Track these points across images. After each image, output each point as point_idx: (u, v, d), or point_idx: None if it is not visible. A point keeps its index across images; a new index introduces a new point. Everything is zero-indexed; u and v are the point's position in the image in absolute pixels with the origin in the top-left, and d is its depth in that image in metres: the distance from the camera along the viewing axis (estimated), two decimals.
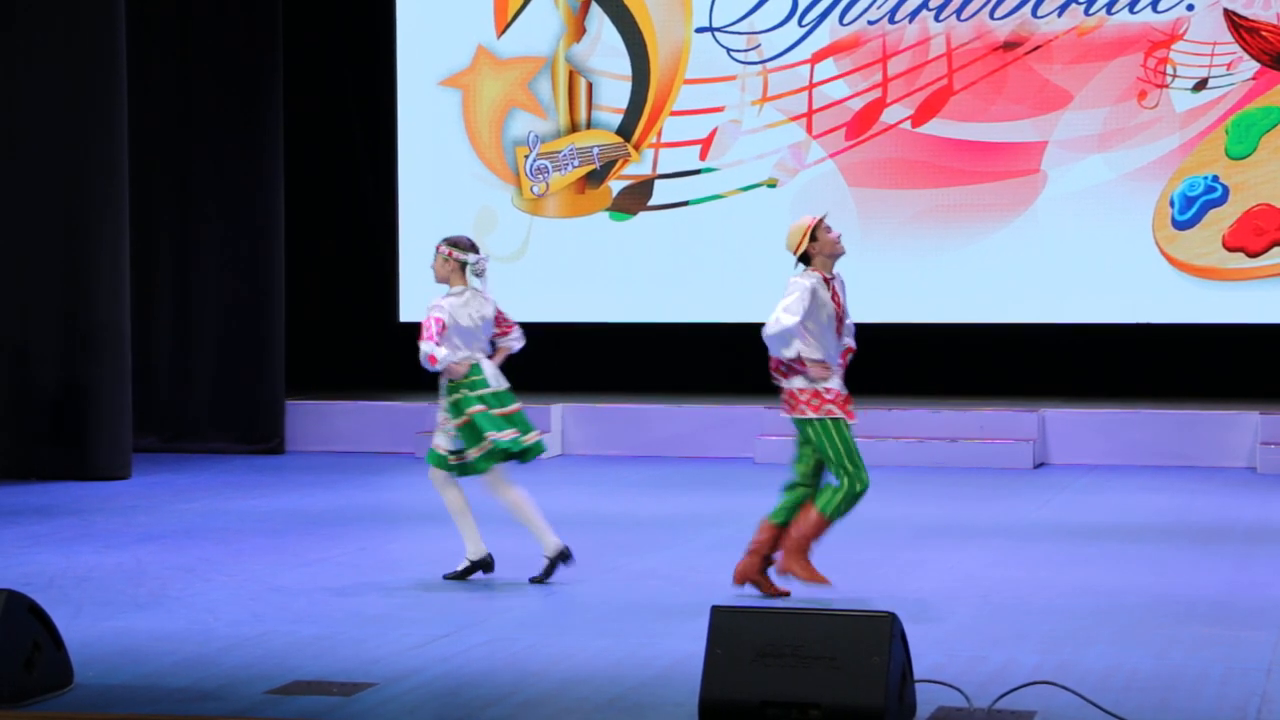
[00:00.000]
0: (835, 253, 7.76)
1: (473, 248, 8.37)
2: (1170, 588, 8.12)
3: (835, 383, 7.76)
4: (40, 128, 12.40)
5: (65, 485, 12.04)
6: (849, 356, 7.95)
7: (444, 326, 8.16)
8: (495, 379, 8.24)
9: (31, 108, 12.40)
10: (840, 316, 7.79)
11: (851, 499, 7.76)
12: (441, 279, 8.36)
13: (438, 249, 8.37)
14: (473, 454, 8.14)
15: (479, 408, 8.13)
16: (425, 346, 8.09)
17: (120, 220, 12.53)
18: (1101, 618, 7.40)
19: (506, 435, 8.12)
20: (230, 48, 14.05)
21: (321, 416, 14.30)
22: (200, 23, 14.10)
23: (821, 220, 7.76)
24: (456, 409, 8.16)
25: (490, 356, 8.35)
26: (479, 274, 8.34)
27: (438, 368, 8.12)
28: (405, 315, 15.25)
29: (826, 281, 7.72)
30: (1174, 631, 7.11)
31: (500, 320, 8.42)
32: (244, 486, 12.12)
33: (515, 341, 8.45)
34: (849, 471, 7.72)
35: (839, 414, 7.71)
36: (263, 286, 14.15)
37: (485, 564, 8.33)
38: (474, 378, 8.18)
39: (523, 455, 8.18)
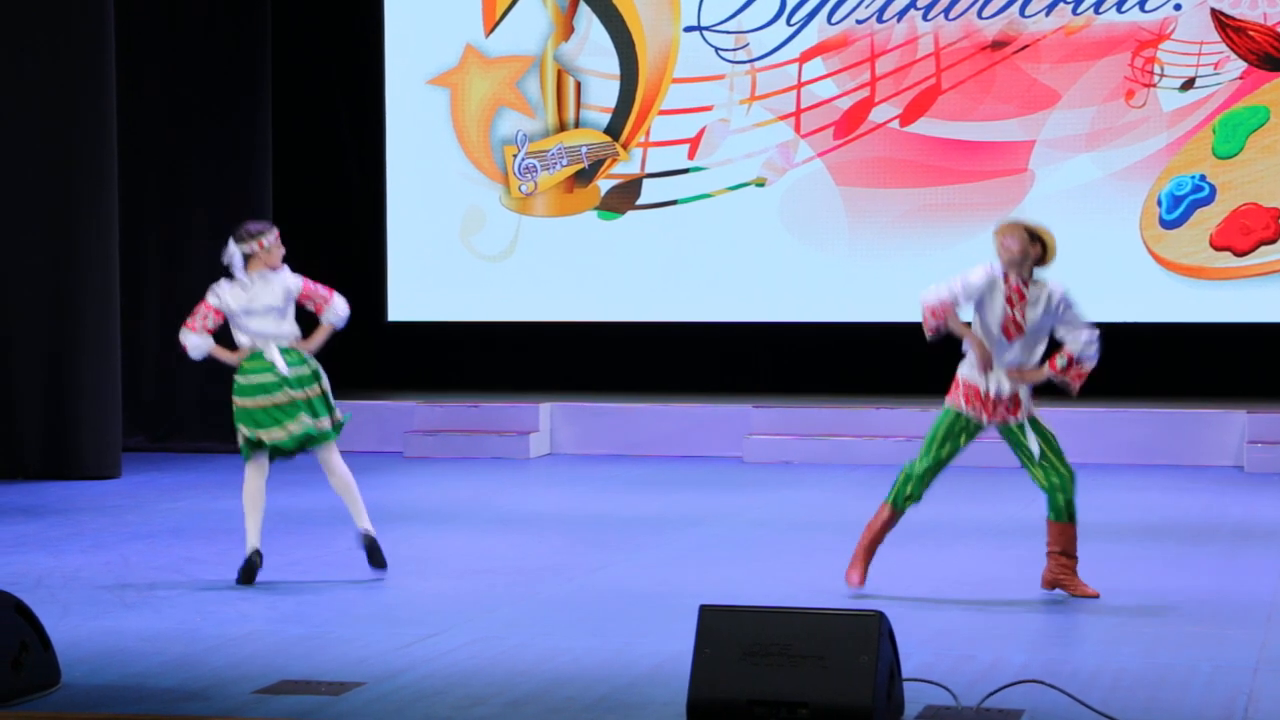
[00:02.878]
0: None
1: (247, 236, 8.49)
2: (1158, 586, 8.14)
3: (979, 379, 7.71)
4: (28, 127, 12.37)
5: (54, 484, 12.01)
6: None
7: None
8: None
9: (19, 107, 12.38)
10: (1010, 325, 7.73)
11: (902, 480, 7.79)
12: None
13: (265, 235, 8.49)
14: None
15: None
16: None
17: (108, 219, 12.51)
18: (1089, 616, 7.41)
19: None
20: (219, 47, 14.03)
21: None
22: (189, 22, 14.07)
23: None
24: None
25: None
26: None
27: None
28: (394, 315, 15.24)
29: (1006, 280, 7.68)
30: (1161, 630, 7.12)
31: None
32: (232, 486, 12.05)
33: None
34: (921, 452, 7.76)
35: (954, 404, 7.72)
36: None
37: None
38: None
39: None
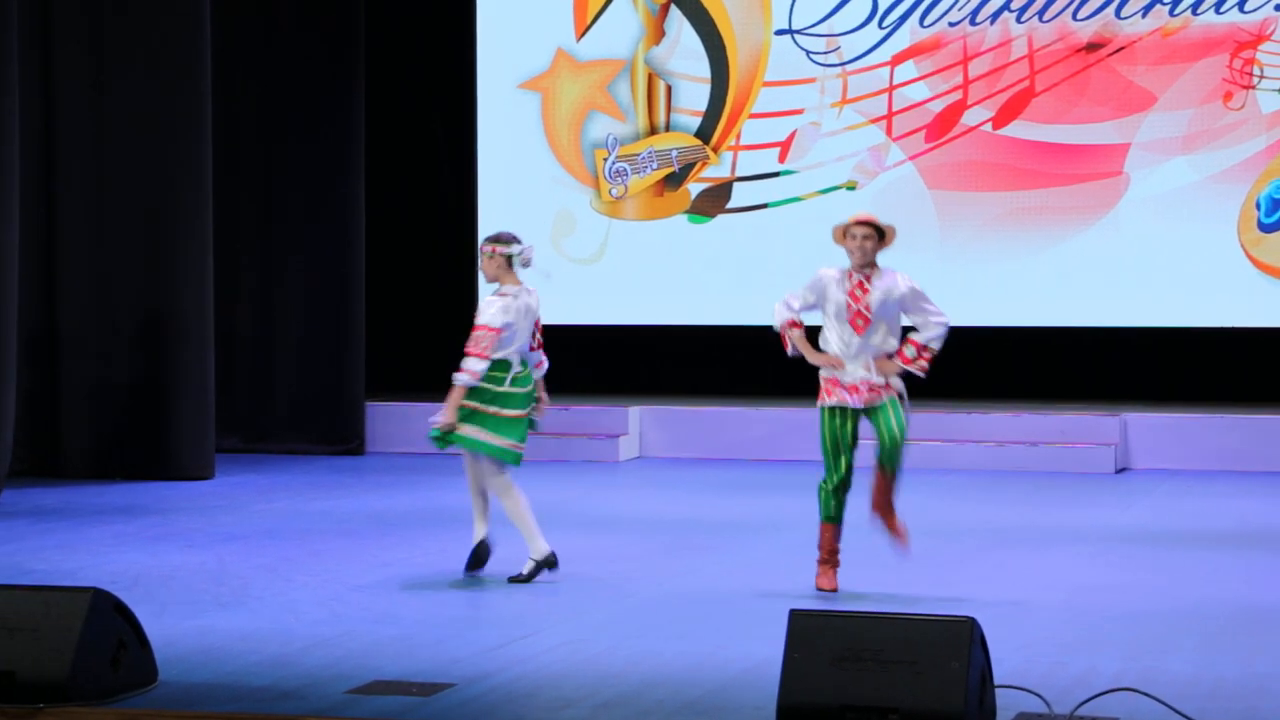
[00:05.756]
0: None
1: (515, 239, 8.63)
2: (1255, 594, 8.03)
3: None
4: (127, 130, 12.54)
5: (149, 485, 12.17)
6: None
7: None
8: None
9: (119, 110, 12.55)
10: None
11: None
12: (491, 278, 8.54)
13: (482, 249, 8.57)
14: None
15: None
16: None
17: (203, 222, 12.65)
18: (1185, 624, 7.33)
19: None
20: (313, 51, 14.17)
21: (401, 418, 14.36)
22: (283, 27, 14.22)
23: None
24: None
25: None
26: (525, 264, 8.53)
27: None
28: None
29: (849, 276, 8.35)
30: (1259, 639, 7.03)
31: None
32: (324, 487, 12.21)
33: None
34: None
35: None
36: (343, 288, 14.25)
37: (550, 562, 8.39)
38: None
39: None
